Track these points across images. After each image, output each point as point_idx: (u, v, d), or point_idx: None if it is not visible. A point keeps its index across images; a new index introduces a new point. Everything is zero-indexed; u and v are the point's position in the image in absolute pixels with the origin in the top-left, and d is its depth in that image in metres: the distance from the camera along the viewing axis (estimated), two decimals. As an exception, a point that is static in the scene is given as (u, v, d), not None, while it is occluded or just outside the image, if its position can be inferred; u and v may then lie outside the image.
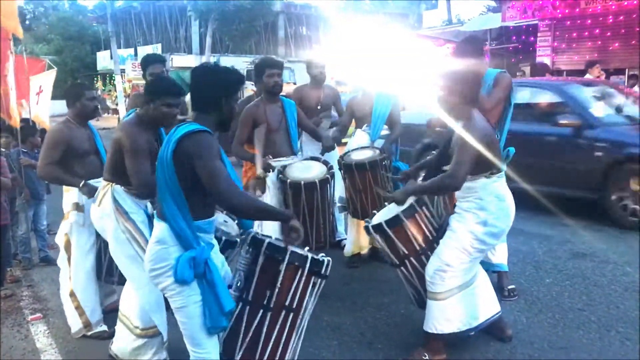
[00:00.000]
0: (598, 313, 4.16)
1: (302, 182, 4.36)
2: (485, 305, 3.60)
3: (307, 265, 2.71)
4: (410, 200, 3.56)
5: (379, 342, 3.85)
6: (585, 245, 5.76)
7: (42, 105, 6.84)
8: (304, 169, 4.60)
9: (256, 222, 4.19)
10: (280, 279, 2.69)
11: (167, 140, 2.63)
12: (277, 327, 2.73)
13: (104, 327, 4.14)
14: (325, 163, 4.70)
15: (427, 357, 3.49)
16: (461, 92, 3.32)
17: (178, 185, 2.58)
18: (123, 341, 3.60)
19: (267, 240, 2.76)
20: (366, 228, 3.65)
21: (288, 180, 4.37)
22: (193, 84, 2.76)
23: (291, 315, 2.74)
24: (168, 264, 2.61)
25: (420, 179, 3.95)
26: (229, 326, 2.73)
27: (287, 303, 2.72)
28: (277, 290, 2.69)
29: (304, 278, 2.72)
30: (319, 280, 2.79)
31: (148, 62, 5.21)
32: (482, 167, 3.32)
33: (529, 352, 3.63)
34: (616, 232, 6.21)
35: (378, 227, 3.53)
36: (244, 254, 2.77)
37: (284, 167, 4.59)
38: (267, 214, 2.92)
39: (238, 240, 3.33)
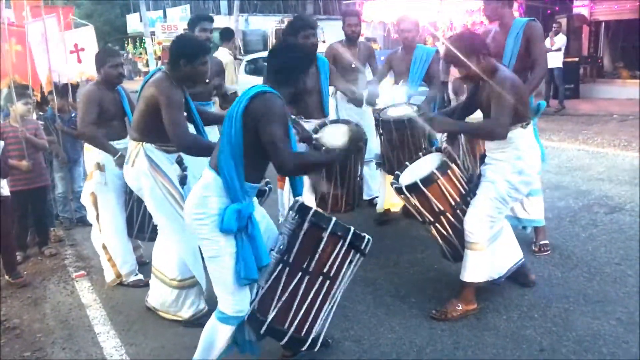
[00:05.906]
0: (635, 267, 4.11)
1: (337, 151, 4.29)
2: (510, 252, 3.73)
3: (349, 237, 2.80)
4: (441, 157, 3.62)
5: (413, 296, 3.89)
6: (622, 200, 5.66)
7: (87, 62, 6.79)
8: (339, 135, 4.49)
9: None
10: (322, 245, 2.78)
11: (239, 98, 2.76)
12: (313, 291, 2.82)
13: (140, 276, 4.37)
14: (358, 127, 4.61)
15: (460, 307, 3.56)
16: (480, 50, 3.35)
17: (241, 142, 2.70)
18: (160, 295, 3.76)
19: (314, 208, 2.86)
20: (398, 189, 3.61)
21: (323, 148, 4.29)
22: (271, 58, 2.94)
23: (327, 282, 2.83)
24: (207, 211, 2.72)
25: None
26: (259, 280, 2.84)
27: (325, 270, 2.81)
28: (317, 256, 2.79)
29: (344, 249, 2.81)
30: (358, 255, 2.87)
31: (197, 20, 5.07)
32: (518, 118, 3.39)
33: (564, 305, 3.63)
34: (655, 186, 6.06)
35: (413, 187, 3.51)
36: (290, 219, 2.86)
37: (317, 130, 4.50)
38: (320, 165, 3.34)
39: (267, 189, 3.46)
